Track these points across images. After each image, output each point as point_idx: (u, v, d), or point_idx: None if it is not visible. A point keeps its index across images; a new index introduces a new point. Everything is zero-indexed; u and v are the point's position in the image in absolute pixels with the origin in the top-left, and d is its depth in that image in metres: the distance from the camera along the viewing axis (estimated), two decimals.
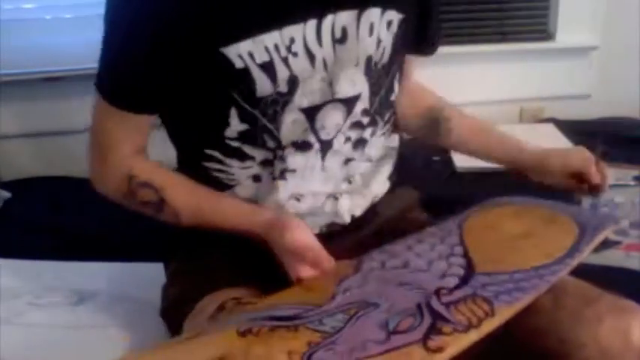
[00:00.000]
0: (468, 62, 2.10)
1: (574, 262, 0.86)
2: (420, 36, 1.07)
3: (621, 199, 1.62)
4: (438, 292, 0.78)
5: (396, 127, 1.10)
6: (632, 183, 1.70)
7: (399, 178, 1.12)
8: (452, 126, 1.18)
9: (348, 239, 1.03)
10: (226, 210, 0.96)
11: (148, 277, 1.19)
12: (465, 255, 0.86)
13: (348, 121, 0.97)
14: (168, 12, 0.88)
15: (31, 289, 1.28)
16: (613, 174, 1.73)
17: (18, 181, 1.85)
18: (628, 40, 2.20)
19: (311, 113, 0.95)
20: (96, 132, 1.00)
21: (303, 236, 0.89)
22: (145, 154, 1.00)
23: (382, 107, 1.01)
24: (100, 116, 0.98)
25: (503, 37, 2.22)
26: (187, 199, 0.97)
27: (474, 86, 2.03)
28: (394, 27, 0.98)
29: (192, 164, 1.00)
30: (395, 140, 1.10)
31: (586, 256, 0.88)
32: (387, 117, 1.04)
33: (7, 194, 1.74)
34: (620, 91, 2.23)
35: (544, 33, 2.24)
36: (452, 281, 0.81)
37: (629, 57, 2.21)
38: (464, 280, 0.81)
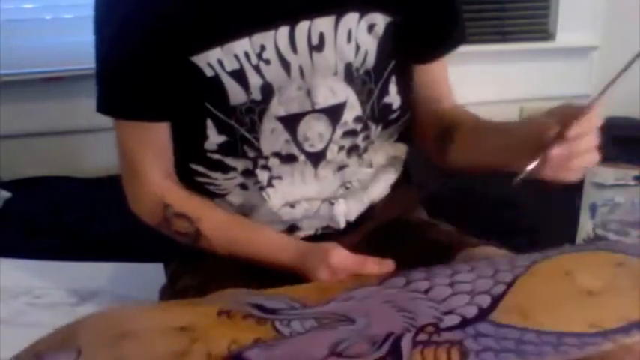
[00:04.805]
0: (468, 62, 2.10)
1: (625, 340, 0.71)
2: (425, 41, 1.02)
3: (621, 199, 1.63)
4: (422, 328, 0.73)
5: (404, 137, 1.06)
6: (632, 183, 1.71)
7: (404, 183, 1.10)
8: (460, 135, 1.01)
9: (345, 241, 1.02)
10: (260, 243, 0.96)
11: (148, 277, 1.20)
12: (498, 298, 0.77)
13: (339, 131, 0.96)
14: (138, 23, 0.89)
15: (31, 289, 1.28)
16: (613, 174, 1.75)
17: (18, 181, 1.85)
18: (628, 40, 2.19)
19: (290, 123, 0.93)
20: (121, 154, 1.00)
21: (346, 253, 0.89)
22: (175, 179, 1.00)
23: (376, 112, 0.99)
24: (120, 136, 0.99)
25: (503, 37, 2.22)
26: (223, 232, 0.97)
27: (474, 86, 2.03)
28: (379, 30, 0.95)
29: (182, 178, 1.00)
30: (400, 150, 1.07)
31: None
32: (384, 122, 1.01)
33: (7, 194, 1.74)
34: (620, 91, 2.21)
35: (544, 33, 2.24)
36: (451, 320, 0.74)
37: (629, 57, 2.21)
38: (464, 323, 0.74)
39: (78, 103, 1.91)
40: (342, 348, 0.70)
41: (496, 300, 0.77)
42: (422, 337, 0.72)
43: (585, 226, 1.50)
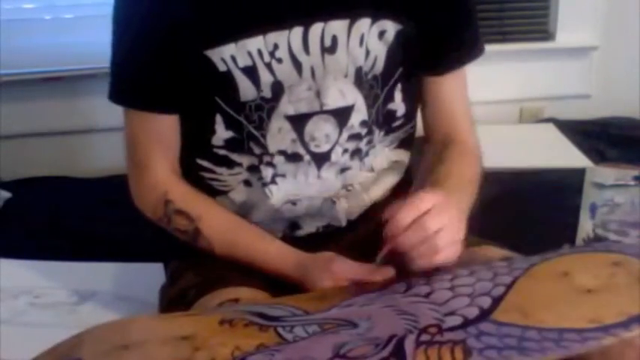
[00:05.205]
0: None
1: (626, 334, 0.71)
2: (434, 53, 1.01)
3: (621, 199, 1.62)
4: (425, 329, 0.73)
5: (407, 144, 1.06)
6: (632, 183, 1.70)
7: (406, 185, 1.09)
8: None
9: (346, 239, 1.02)
10: (260, 251, 0.96)
11: (148, 277, 1.20)
12: (498, 299, 0.78)
13: (345, 134, 0.96)
14: (156, 14, 0.91)
15: (31, 289, 1.28)
16: (613, 174, 1.74)
17: (18, 181, 1.85)
18: (628, 40, 2.20)
19: (298, 123, 0.94)
20: (129, 147, 1.01)
21: (348, 262, 0.89)
22: (180, 175, 1.01)
23: (380, 117, 1.00)
24: (129, 129, 0.99)
25: (503, 37, 2.22)
26: (223, 234, 0.97)
27: (474, 86, 2.03)
28: (389, 37, 0.96)
29: (186, 173, 1.01)
30: (403, 155, 1.06)
31: None
32: (387, 127, 1.01)
33: (7, 194, 1.74)
34: (620, 91, 2.23)
35: (544, 33, 2.24)
36: (453, 321, 0.75)
37: (629, 57, 2.21)
38: (466, 324, 0.74)
39: (78, 103, 1.92)
40: (346, 350, 0.70)
41: (496, 301, 0.78)
42: (425, 337, 0.72)
43: (585, 226, 1.50)
